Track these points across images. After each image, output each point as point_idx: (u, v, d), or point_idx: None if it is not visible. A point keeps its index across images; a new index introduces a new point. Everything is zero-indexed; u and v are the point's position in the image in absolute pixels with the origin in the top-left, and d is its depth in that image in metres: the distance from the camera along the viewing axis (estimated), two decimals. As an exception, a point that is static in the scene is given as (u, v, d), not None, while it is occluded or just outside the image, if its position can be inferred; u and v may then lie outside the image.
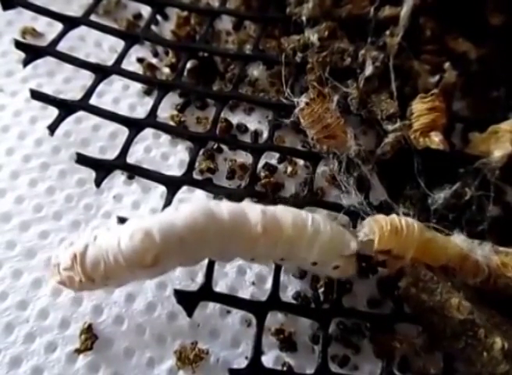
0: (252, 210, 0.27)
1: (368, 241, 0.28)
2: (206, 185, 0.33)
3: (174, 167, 0.36)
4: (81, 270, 0.25)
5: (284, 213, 0.27)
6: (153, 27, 0.41)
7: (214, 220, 0.26)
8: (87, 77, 0.36)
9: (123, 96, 0.38)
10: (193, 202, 0.27)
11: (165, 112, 0.37)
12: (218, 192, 0.33)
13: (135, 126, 0.34)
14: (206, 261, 0.29)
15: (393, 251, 0.28)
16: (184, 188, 0.33)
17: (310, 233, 0.27)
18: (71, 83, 0.38)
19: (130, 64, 0.39)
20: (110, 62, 0.37)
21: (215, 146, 0.36)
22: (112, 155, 0.33)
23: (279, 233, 0.27)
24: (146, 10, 0.41)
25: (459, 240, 0.29)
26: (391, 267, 0.30)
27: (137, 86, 0.38)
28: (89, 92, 0.35)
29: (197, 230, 0.25)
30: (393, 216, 0.29)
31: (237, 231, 0.26)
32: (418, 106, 0.35)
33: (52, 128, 0.33)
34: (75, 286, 0.26)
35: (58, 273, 0.26)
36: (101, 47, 0.41)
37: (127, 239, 0.25)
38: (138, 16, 0.42)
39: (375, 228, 0.28)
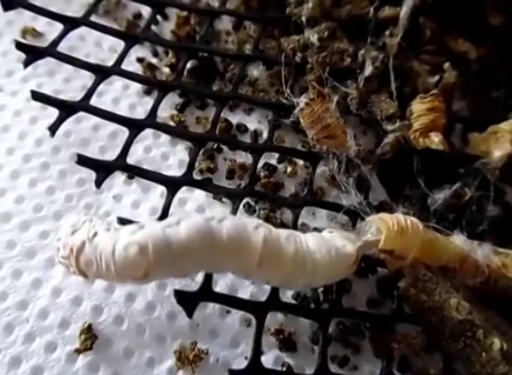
0: (254, 236, 0.26)
1: (372, 241, 0.28)
2: (206, 185, 0.33)
3: (174, 167, 0.36)
4: (75, 265, 0.26)
5: (286, 245, 0.26)
6: (153, 27, 0.41)
7: (211, 245, 0.25)
8: (86, 77, 0.36)
9: (123, 96, 0.38)
10: (194, 220, 0.26)
11: (165, 112, 0.37)
12: (217, 192, 0.34)
13: (135, 126, 0.34)
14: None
15: (396, 252, 0.28)
16: (184, 187, 0.33)
17: (309, 270, 0.26)
18: (71, 83, 0.38)
19: (130, 64, 0.39)
20: (110, 62, 0.37)
21: (215, 146, 0.36)
22: (112, 154, 0.33)
23: (276, 269, 0.26)
24: (146, 10, 0.41)
25: (459, 240, 0.29)
26: (391, 266, 0.30)
27: (137, 86, 0.38)
28: (89, 93, 0.35)
29: (192, 254, 0.25)
30: (398, 214, 0.28)
31: (233, 258, 0.26)
32: (418, 106, 0.35)
33: (53, 129, 0.33)
34: (71, 272, 0.27)
35: (58, 257, 0.27)
36: (101, 47, 0.41)
37: (121, 250, 0.25)
38: (138, 16, 0.42)
39: (382, 227, 0.27)
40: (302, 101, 0.33)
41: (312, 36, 0.37)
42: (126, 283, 0.28)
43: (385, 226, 0.27)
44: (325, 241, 0.27)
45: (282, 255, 0.26)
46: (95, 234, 0.26)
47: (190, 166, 0.33)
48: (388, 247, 0.27)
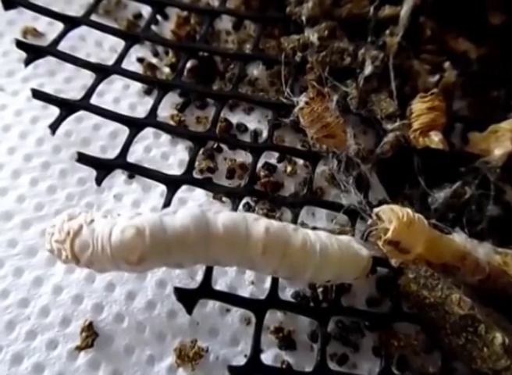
0: (255, 226, 0.26)
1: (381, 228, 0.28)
2: (206, 184, 0.33)
3: (174, 166, 0.36)
4: (69, 248, 0.26)
5: (294, 234, 0.26)
6: (153, 27, 0.41)
7: (205, 234, 0.26)
8: (87, 77, 0.37)
9: (124, 95, 0.39)
10: (190, 209, 0.27)
11: (165, 112, 0.37)
12: (217, 191, 0.34)
13: (135, 125, 0.34)
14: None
15: (402, 243, 0.28)
16: (184, 187, 0.33)
17: (318, 261, 0.27)
18: (72, 83, 0.38)
19: (130, 64, 0.39)
20: (110, 62, 0.37)
21: (215, 145, 0.37)
22: (112, 154, 0.33)
23: (281, 257, 0.26)
24: (146, 10, 0.42)
25: (459, 239, 0.29)
26: (393, 259, 0.29)
27: (137, 85, 0.38)
28: (90, 92, 0.35)
29: (186, 244, 0.25)
30: (408, 209, 0.28)
31: (231, 248, 0.26)
32: (418, 105, 0.35)
33: (53, 127, 0.33)
34: (61, 259, 0.27)
35: (50, 242, 0.26)
36: (102, 46, 0.41)
37: (118, 233, 0.25)
38: (138, 16, 0.42)
39: (393, 217, 0.28)
40: (302, 100, 0.33)
41: (312, 35, 0.37)
42: (120, 271, 0.27)
43: (395, 216, 0.27)
44: (339, 239, 0.28)
45: (290, 243, 0.26)
46: (92, 220, 0.26)
47: (190, 165, 0.33)
48: (395, 237, 0.27)
